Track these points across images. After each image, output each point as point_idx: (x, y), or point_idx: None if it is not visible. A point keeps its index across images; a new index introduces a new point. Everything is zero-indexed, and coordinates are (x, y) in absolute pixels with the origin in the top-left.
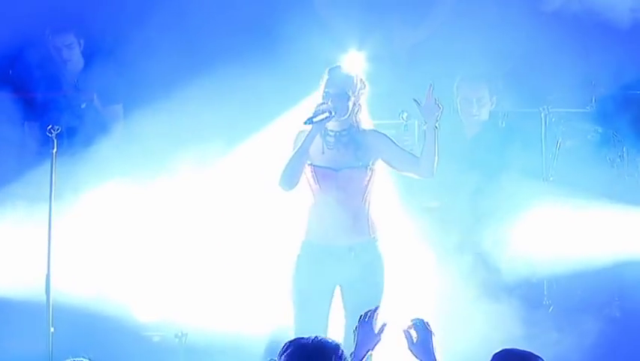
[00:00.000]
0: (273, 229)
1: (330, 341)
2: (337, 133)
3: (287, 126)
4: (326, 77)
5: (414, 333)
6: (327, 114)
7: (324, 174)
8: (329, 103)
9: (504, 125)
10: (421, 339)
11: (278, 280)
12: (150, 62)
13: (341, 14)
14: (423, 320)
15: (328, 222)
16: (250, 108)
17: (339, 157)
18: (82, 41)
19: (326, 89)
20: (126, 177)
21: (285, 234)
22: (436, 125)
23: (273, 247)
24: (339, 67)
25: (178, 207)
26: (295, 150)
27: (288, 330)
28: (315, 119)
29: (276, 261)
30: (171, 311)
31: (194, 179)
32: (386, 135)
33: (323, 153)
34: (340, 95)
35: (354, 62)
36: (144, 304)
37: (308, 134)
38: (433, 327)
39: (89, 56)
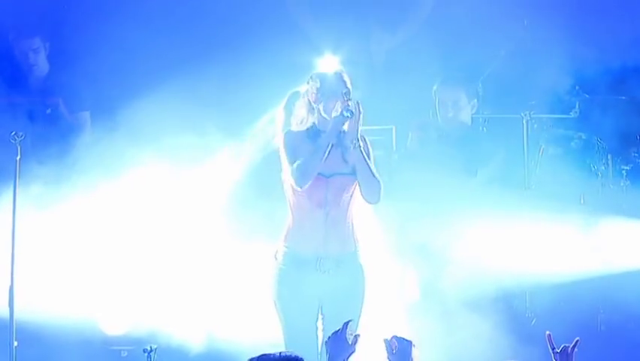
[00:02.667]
0: (248, 237)
1: (294, 356)
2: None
3: (260, 134)
4: (332, 79)
5: (394, 343)
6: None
7: (315, 180)
8: (354, 103)
9: (485, 130)
10: (401, 349)
11: (253, 290)
12: (120, 64)
13: (316, 17)
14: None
15: (314, 231)
16: (222, 115)
17: (330, 163)
18: (47, 45)
19: (344, 90)
20: (92, 185)
21: (262, 242)
22: (354, 144)
23: (249, 256)
24: (340, 73)
25: (147, 216)
26: (313, 149)
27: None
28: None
29: (251, 271)
30: (140, 324)
31: (163, 185)
32: (367, 144)
33: None
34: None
35: (329, 65)
36: (111, 317)
37: (328, 132)
38: (415, 339)
39: (56, 60)
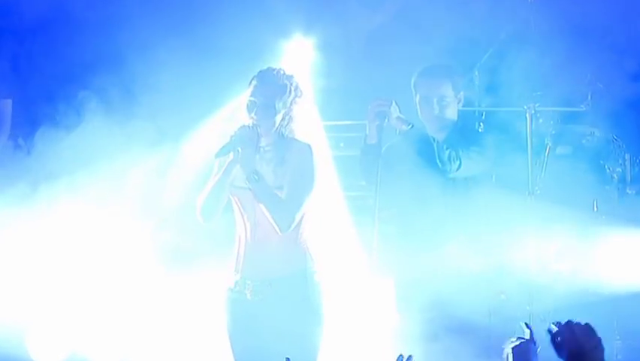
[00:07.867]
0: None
1: None
2: (261, 148)
3: (219, 127)
4: (254, 82)
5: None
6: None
7: (240, 195)
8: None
9: (482, 126)
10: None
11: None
12: (57, 53)
13: None
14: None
15: (251, 251)
16: (179, 107)
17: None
18: None
19: (252, 98)
20: (24, 196)
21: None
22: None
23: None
24: (269, 70)
25: (87, 236)
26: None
27: None
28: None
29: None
30: (78, 354)
31: (105, 199)
32: (310, 152)
33: None
34: (267, 107)
35: (299, 50)
36: (45, 346)
37: (228, 164)
38: None
39: None
